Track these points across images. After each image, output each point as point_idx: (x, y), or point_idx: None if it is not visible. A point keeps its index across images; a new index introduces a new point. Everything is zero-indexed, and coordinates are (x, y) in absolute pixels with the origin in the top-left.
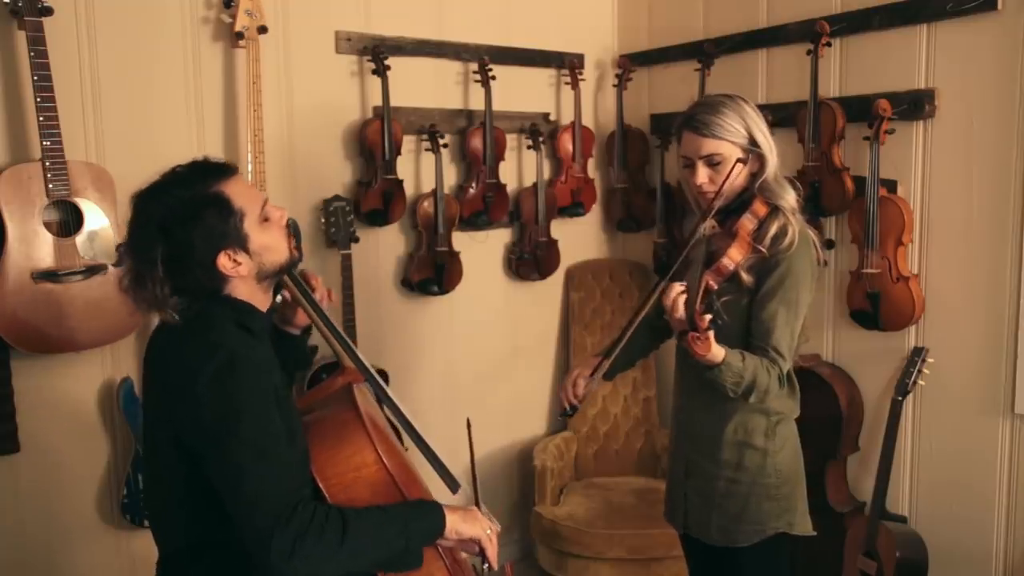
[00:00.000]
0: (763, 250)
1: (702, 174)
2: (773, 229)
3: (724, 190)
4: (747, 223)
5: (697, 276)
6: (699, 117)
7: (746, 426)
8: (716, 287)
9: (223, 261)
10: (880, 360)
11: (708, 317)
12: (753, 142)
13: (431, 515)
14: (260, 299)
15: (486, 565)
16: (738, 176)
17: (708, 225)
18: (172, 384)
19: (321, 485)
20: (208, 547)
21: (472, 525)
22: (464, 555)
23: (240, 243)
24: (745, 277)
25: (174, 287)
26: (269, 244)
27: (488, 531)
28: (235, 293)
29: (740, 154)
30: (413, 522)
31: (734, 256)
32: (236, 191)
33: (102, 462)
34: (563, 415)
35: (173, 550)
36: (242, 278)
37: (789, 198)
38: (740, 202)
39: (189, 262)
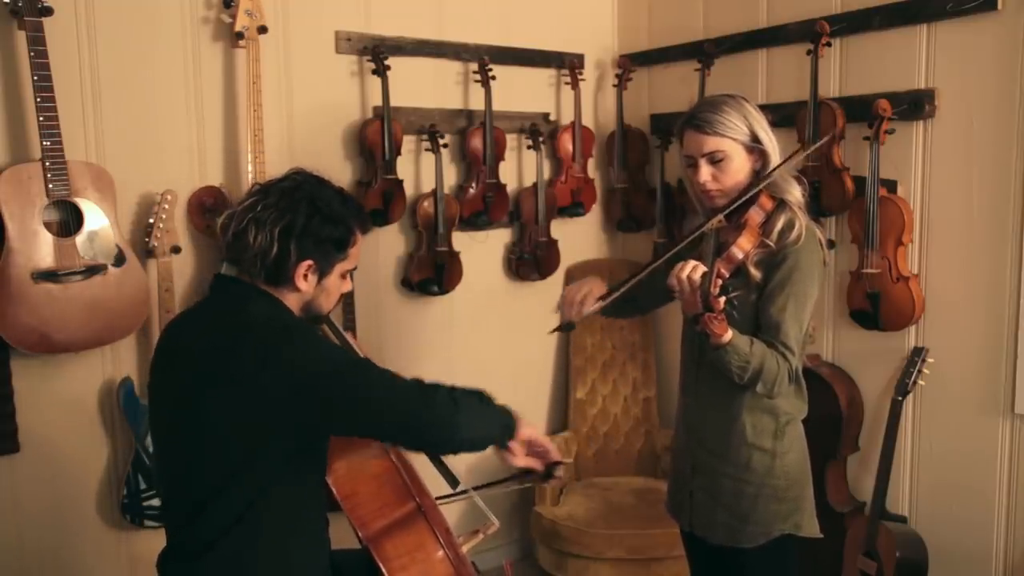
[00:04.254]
0: (771, 244)
1: (705, 172)
2: (780, 223)
3: (727, 186)
4: (755, 215)
5: (710, 267)
6: (701, 115)
7: (754, 427)
8: (727, 275)
9: (302, 268)
10: (880, 360)
11: (723, 299)
12: (755, 139)
13: (504, 410)
14: None
15: (558, 471)
16: (741, 171)
17: (715, 221)
18: (232, 377)
19: (328, 477)
20: (229, 538)
21: (533, 429)
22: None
23: (323, 271)
24: (753, 272)
25: (259, 251)
26: (331, 293)
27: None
28: (289, 300)
29: (742, 151)
30: (498, 405)
31: (744, 245)
32: (357, 243)
33: (102, 462)
34: (561, 330)
35: (199, 535)
36: (295, 294)
37: (795, 192)
38: (745, 199)
39: (290, 242)
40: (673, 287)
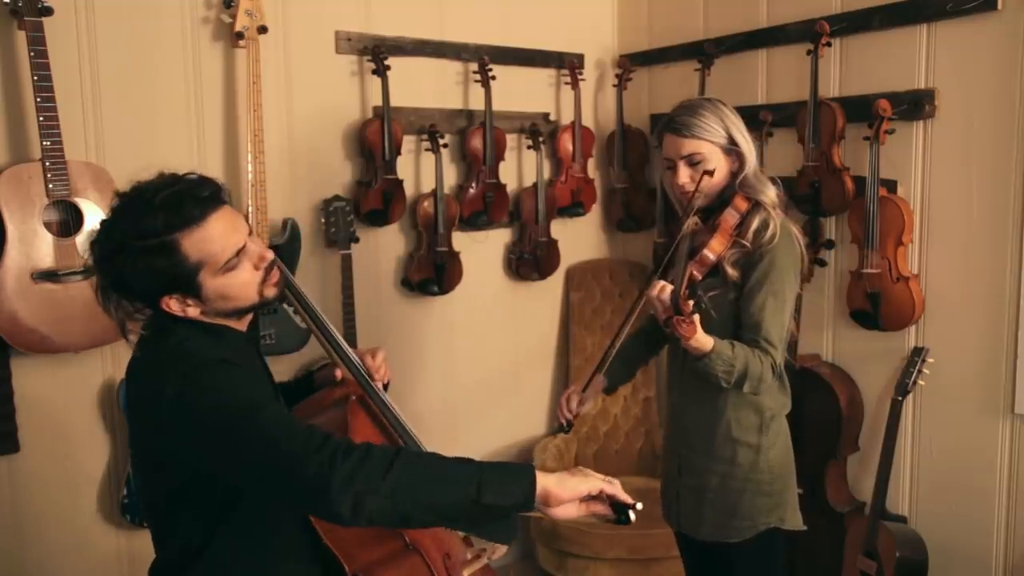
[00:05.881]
0: (746, 244)
1: (684, 174)
2: (755, 223)
3: (702, 187)
4: (729, 217)
5: (682, 269)
6: (679, 119)
7: (739, 423)
8: (700, 277)
9: (170, 303)
10: (880, 360)
11: (692, 301)
12: (732, 141)
13: (512, 470)
14: (233, 323)
15: (632, 513)
16: (719, 173)
17: (691, 223)
18: (144, 411)
19: None
20: (205, 553)
21: (580, 480)
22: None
23: (191, 291)
24: (730, 272)
25: (134, 303)
26: (227, 293)
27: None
28: (203, 318)
29: (720, 153)
30: (488, 472)
31: (715, 247)
32: (202, 238)
33: (102, 462)
34: (560, 431)
35: (171, 554)
36: (197, 315)
37: (770, 193)
38: (721, 200)
39: (134, 294)
40: (650, 304)
